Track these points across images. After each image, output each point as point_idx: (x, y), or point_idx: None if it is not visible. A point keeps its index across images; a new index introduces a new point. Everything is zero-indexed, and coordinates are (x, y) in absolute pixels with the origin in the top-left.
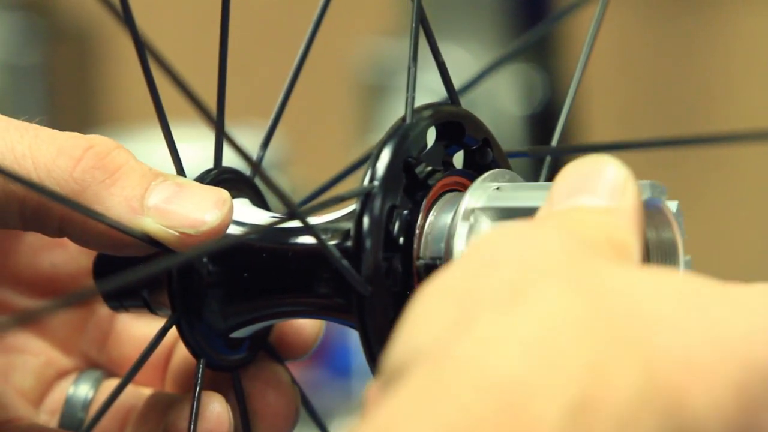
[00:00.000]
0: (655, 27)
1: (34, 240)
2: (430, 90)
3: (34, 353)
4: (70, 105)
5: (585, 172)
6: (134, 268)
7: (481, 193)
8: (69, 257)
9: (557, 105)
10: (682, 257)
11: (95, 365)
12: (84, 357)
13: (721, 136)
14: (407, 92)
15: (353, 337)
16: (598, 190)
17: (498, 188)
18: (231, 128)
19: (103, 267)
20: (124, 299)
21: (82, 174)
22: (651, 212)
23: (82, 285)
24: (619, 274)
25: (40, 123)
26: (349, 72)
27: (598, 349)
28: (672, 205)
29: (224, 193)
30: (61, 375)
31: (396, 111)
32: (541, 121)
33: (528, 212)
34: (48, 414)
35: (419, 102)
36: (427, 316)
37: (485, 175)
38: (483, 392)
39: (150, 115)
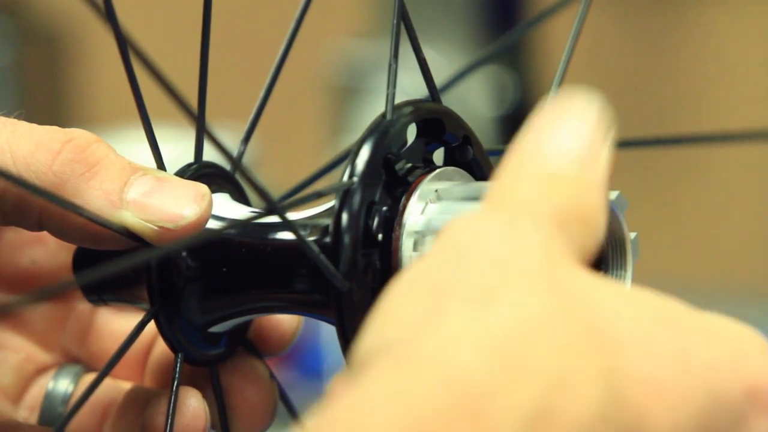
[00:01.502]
0: (627, 27)
1: (13, 237)
2: (404, 93)
3: (13, 350)
4: (42, 106)
5: (560, 113)
6: (113, 260)
7: (423, 197)
8: (49, 254)
9: (528, 106)
10: (627, 234)
11: (75, 361)
12: (64, 353)
13: (704, 136)
14: (387, 89)
15: (325, 338)
16: (569, 148)
17: (436, 191)
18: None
19: (82, 261)
20: (103, 293)
21: (61, 167)
22: None
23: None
24: (595, 287)
25: (19, 118)
26: (320, 74)
27: (565, 358)
28: (612, 194)
29: (203, 188)
30: (41, 371)
31: (368, 113)
32: (512, 122)
33: None
34: (27, 410)
35: (378, 109)
36: (398, 308)
37: (431, 175)
38: (441, 390)
39: (122, 116)
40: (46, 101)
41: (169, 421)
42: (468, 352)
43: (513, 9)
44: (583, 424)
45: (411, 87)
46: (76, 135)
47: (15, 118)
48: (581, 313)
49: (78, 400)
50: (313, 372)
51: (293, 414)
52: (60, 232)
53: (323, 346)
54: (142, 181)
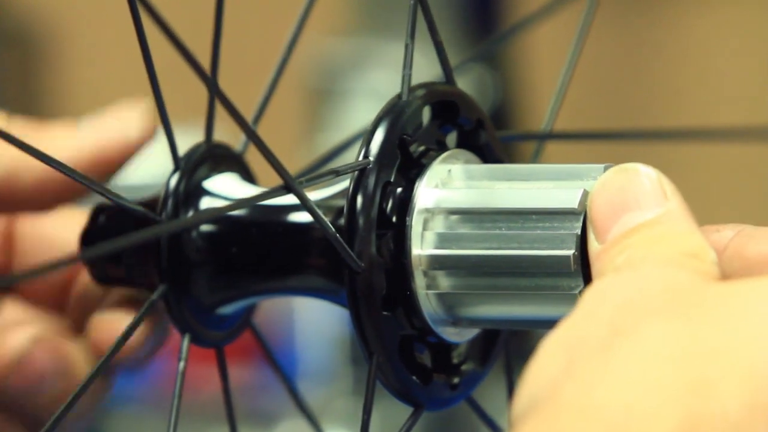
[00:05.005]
0: (608, 27)
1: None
2: (375, 91)
3: None
4: (15, 109)
5: (619, 186)
6: (120, 237)
7: (435, 177)
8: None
9: (509, 106)
10: None
11: None
12: None
13: (711, 131)
14: (404, 69)
15: (300, 338)
16: (640, 202)
17: (449, 171)
18: (191, 127)
19: (91, 238)
20: (108, 268)
21: None
22: None
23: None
24: (714, 295)
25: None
26: (297, 74)
27: (700, 369)
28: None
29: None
30: None
31: (344, 113)
32: (493, 121)
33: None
34: None
35: (353, 109)
36: (540, 367)
37: (442, 156)
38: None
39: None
40: (20, 104)
41: (176, 401)
42: (606, 390)
43: (494, 13)
44: (736, 421)
45: (383, 86)
46: None
47: None
48: (707, 323)
49: (89, 376)
50: (288, 373)
51: (295, 397)
52: None
53: (298, 347)
54: None
